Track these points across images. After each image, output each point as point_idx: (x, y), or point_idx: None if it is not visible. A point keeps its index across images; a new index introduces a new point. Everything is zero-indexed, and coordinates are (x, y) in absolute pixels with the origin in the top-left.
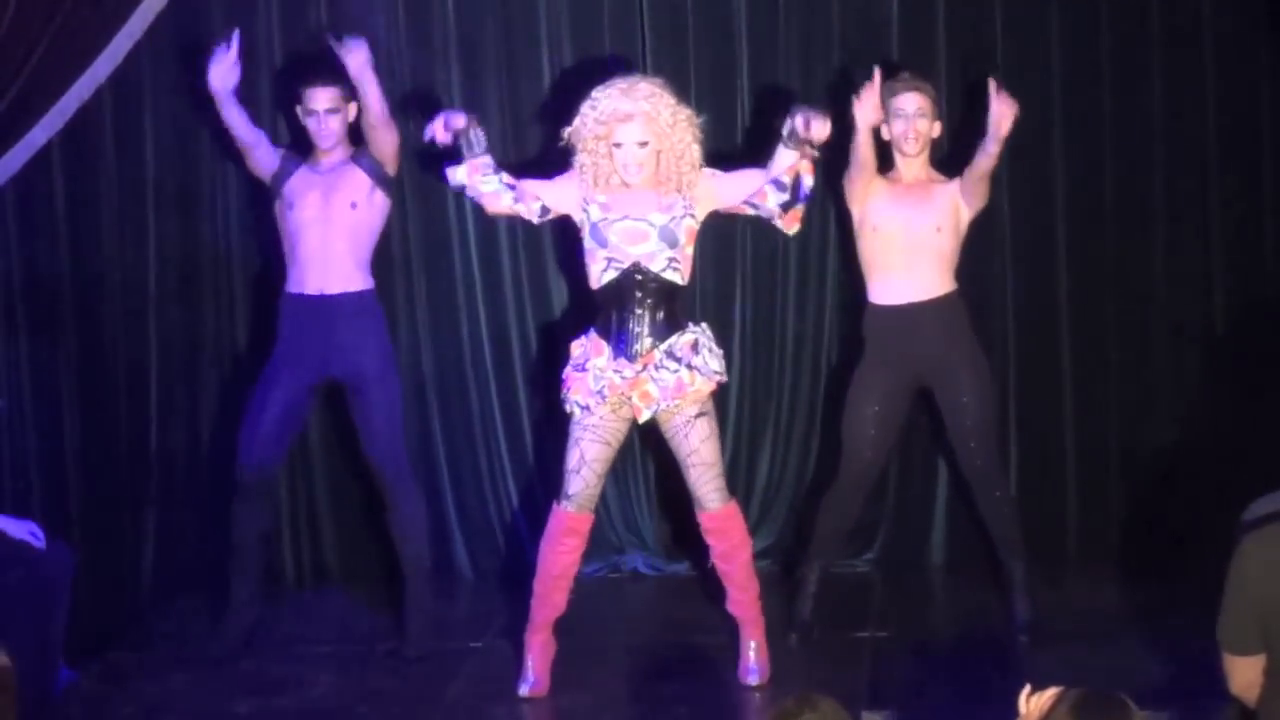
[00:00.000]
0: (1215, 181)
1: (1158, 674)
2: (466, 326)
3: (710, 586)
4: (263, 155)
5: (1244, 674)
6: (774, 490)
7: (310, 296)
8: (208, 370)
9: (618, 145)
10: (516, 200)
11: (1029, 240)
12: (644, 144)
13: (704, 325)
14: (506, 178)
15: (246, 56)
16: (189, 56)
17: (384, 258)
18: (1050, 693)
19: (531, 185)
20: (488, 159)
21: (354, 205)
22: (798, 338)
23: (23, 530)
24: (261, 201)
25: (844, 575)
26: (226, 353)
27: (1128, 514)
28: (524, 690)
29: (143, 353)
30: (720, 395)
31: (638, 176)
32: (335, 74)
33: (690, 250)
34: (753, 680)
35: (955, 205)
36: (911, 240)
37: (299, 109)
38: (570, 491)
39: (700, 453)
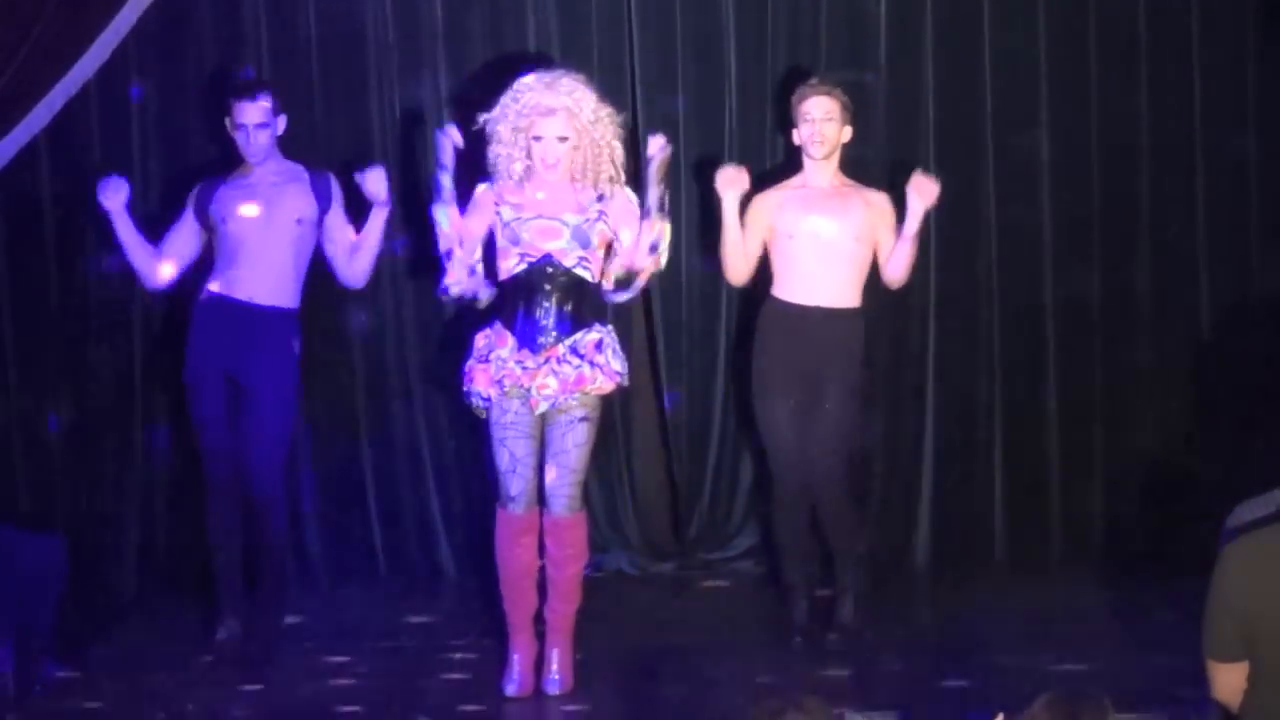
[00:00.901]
0: (1201, 190)
1: (1141, 677)
2: (452, 328)
3: (693, 587)
4: (179, 244)
5: (1227, 680)
6: (758, 493)
7: (238, 301)
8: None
9: (537, 139)
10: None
11: (1014, 246)
12: (564, 139)
13: (610, 327)
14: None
15: (234, 54)
16: (176, 53)
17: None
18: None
19: (467, 241)
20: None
21: (299, 221)
22: None
23: None
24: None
25: (827, 575)
26: None
27: (1111, 518)
28: (510, 690)
29: (128, 352)
30: (706, 400)
31: (554, 172)
32: (264, 86)
33: (602, 253)
34: (553, 690)
35: (873, 221)
36: (830, 248)
37: (227, 121)
38: (513, 493)
39: (570, 455)
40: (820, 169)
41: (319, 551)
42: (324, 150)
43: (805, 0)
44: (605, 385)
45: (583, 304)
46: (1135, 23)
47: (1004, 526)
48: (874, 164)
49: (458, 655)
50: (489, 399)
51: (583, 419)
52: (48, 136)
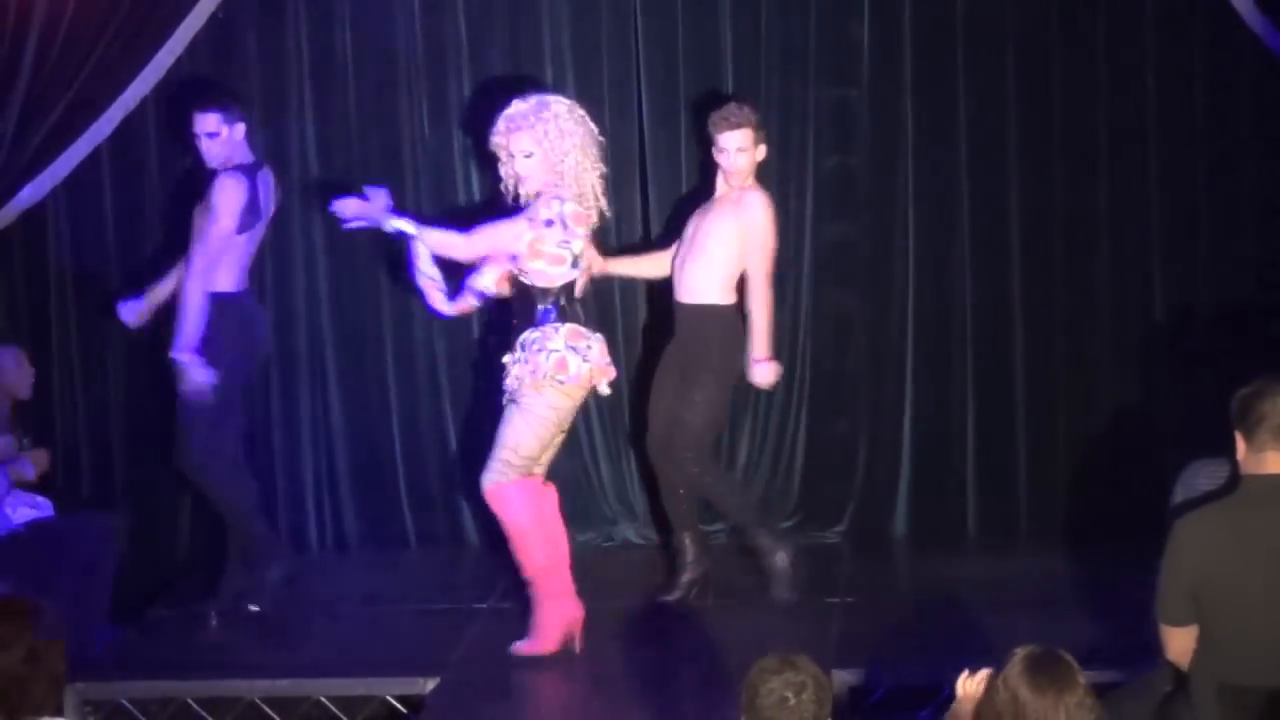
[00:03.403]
0: (1155, 193)
1: (1100, 637)
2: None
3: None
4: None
5: (1178, 642)
6: (753, 469)
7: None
8: None
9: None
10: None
11: (985, 244)
12: (529, 155)
13: (557, 326)
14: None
15: (278, 71)
16: (225, 71)
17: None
18: (983, 674)
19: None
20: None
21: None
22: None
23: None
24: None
25: (815, 546)
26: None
27: (1073, 490)
28: (521, 648)
29: None
30: None
31: (526, 186)
32: (218, 97)
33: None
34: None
35: (743, 230)
36: (693, 246)
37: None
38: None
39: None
40: (724, 183)
41: (354, 517)
42: (359, 160)
43: (795, 24)
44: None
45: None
46: (1094, 50)
47: (976, 502)
48: (859, 173)
49: (479, 614)
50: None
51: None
52: (110, 146)
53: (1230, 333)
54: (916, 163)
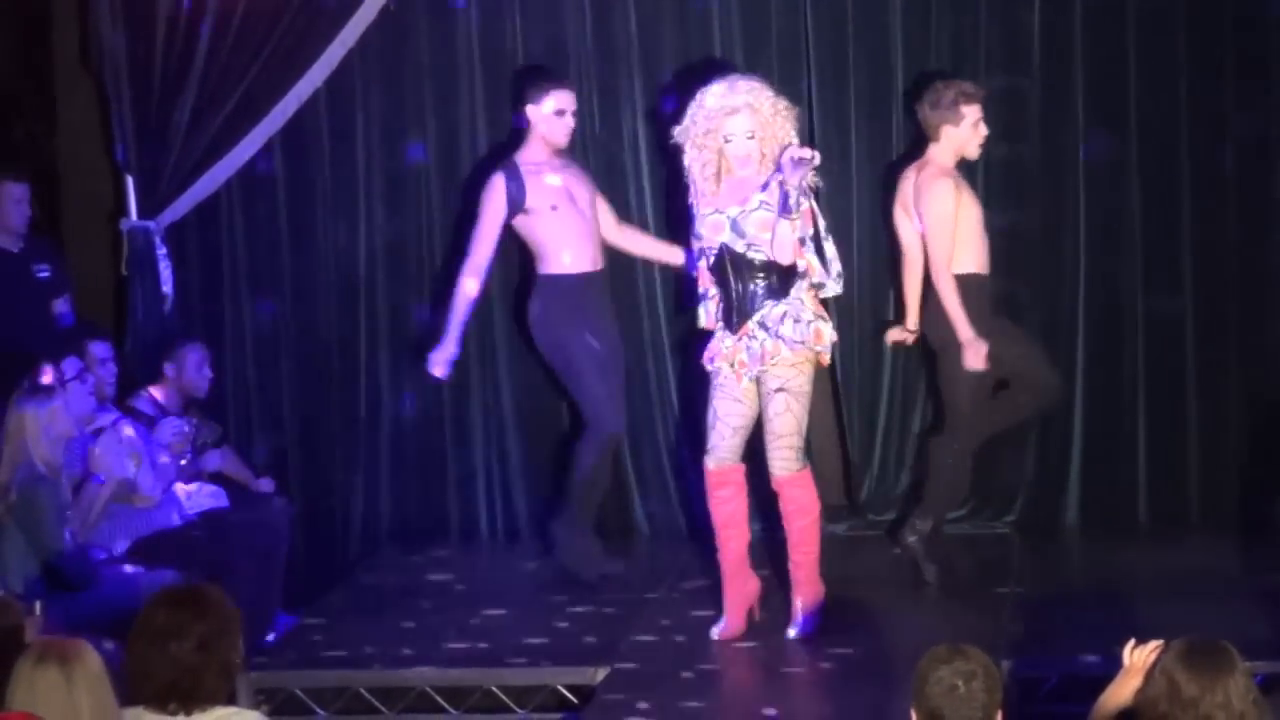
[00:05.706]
0: None
1: (1272, 628)
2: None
3: (864, 546)
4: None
5: None
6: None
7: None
8: (410, 345)
9: (728, 140)
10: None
11: (1156, 231)
12: (751, 136)
13: (801, 298)
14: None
15: (448, 64)
16: (397, 65)
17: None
18: (1152, 645)
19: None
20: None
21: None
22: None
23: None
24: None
25: (986, 536)
26: (429, 330)
27: (1245, 480)
28: (716, 634)
29: (353, 330)
30: (875, 374)
31: (747, 168)
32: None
33: (766, 236)
34: (793, 634)
35: None
36: None
37: (532, 110)
38: (710, 445)
39: (772, 423)
40: None
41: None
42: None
43: (966, 12)
44: (789, 355)
45: (767, 283)
46: (1268, 25)
47: (1147, 492)
48: (1030, 161)
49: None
50: (718, 370)
51: (777, 390)
52: (282, 138)
53: None
54: (1088, 150)
